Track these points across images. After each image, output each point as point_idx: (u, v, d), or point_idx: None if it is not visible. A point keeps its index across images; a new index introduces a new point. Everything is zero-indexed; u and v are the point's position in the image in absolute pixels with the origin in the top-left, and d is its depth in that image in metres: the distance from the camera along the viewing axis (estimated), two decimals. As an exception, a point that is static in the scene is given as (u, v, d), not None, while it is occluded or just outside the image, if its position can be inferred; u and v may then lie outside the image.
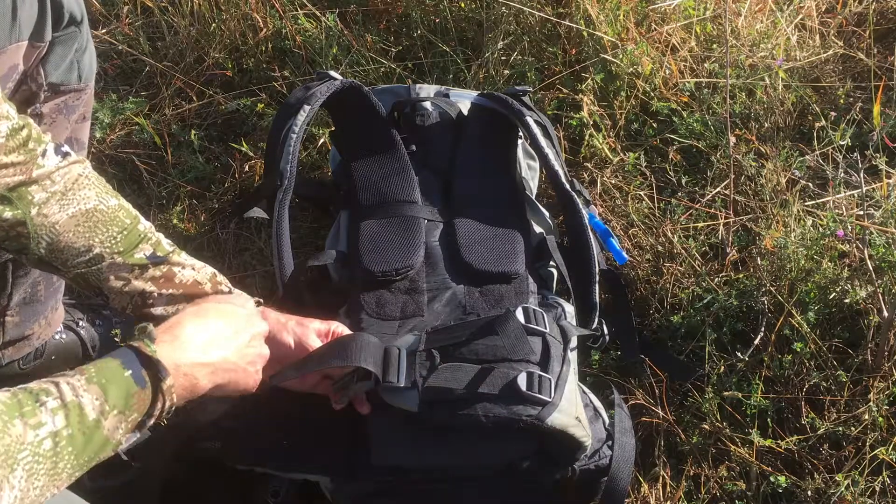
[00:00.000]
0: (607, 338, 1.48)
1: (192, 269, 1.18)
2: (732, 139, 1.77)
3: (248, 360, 1.08)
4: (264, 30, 2.04)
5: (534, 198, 1.63)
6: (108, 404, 0.90)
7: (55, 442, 0.86)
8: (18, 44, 1.14)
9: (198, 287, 1.17)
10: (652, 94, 1.90)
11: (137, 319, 1.16)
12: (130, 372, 0.93)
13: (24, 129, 1.06)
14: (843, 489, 1.34)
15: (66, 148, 1.11)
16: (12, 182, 1.05)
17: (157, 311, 1.15)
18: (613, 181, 1.81)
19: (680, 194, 1.78)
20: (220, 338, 1.05)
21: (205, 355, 1.02)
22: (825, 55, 1.96)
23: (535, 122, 1.59)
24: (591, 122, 1.86)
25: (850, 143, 1.68)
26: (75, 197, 1.10)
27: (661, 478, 1.42)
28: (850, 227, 1.56)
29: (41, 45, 1.19)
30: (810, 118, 1.86)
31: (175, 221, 1.81)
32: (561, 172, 1.55)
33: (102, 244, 1.11)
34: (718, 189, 1.75)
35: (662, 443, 1.46)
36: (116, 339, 1.52)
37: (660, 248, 1.69)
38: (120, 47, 2.10)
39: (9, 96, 1.17)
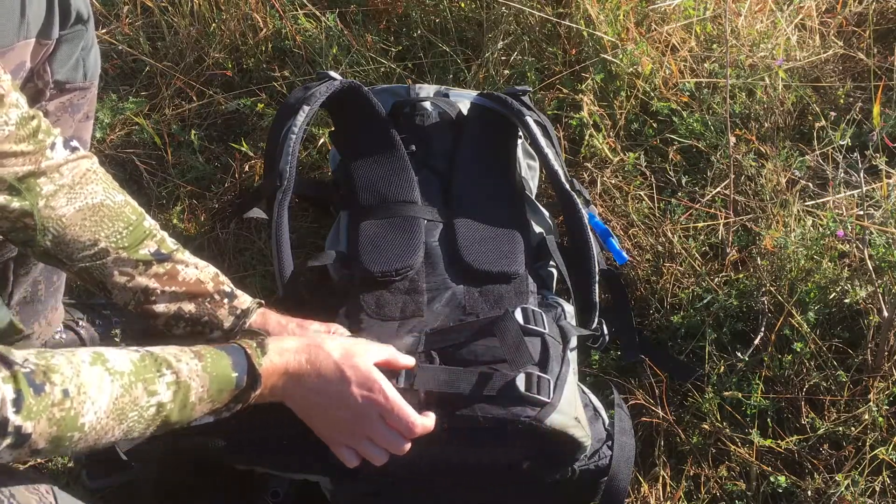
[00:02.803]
0: (607, 338, 1.47)
1: (196, 268, 1.19)
2: (732, 139, 1.77)
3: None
4: (264, 30, 2.04)
5: (534, 198, 1.63)
6: (206, 394, 1.00)
7: (157, 411, 0.96)
8: (26, 41, 1.14)
9: (200, 286, 1.18)
10: (652, 94, 1.90)
11: (139, 316, 1.17)
12: (236, 375, 1.03)
13: (35, 119, 1.06)
14: (843, 489, 1.34)
15: (74, 143, 1.12)
16: (21, 172, 1.05)
17: (160, 308, 1.16)
18: (613, 181, 1.81)
19: (680, 194, 1.78)
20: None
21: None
22: (825, 55, 1.96)
23: (535, 121, 1.59)
24: (591, 122, 1.86)
25: (850, 143, 1.68)
26: (83, 191, 1.11)
27: (661, 478, 1.42)
28: (850, 227, 1.56)
29: (48, 43, 1.19)
30: (810, 118, 1.86)
31: (175, 221, 1.81)
32: (561, 172, 1.55)
33: (108, 239, 1.12)
34: (718, 189, 1.75)
35: (662, 443, 1.46)
36: (116, 340, 1.52)
37: (660, 248, 1.68)
38: (120, 47, 2.10)
39: None
